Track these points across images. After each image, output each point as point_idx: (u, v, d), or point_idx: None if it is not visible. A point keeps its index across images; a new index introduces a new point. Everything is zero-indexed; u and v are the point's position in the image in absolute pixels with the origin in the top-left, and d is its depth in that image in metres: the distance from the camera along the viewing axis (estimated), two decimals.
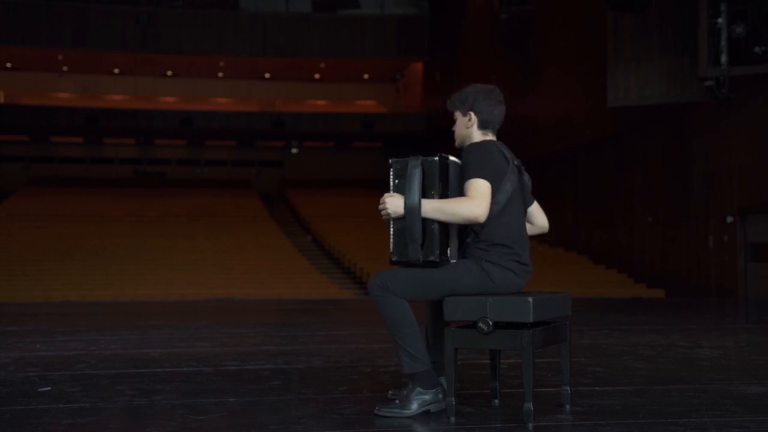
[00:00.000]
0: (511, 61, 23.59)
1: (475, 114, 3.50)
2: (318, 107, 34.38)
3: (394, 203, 3.29)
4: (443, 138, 28.78)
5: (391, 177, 3.36)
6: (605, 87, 17.08)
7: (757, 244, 15.56)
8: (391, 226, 3.33)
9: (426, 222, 3.26)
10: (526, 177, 3.54)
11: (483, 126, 3.51)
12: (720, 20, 14.87)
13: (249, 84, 33.77)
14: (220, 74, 32.96)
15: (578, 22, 19.97)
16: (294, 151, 34.02)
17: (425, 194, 3.28)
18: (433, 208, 3.24)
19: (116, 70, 32.68)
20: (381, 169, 34.14)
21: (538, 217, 3.70)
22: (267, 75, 33.30)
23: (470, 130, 3.52)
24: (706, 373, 4.65)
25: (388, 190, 3.36)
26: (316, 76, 33.43)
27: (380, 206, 3.33)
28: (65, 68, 32.07)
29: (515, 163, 3.44)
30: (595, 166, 20.63)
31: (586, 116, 19.81)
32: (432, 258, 3.27)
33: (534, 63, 22.23)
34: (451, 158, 3.39)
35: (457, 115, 3.56)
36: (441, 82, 29.15)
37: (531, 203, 3.63)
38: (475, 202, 3.21)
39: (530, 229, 3.68)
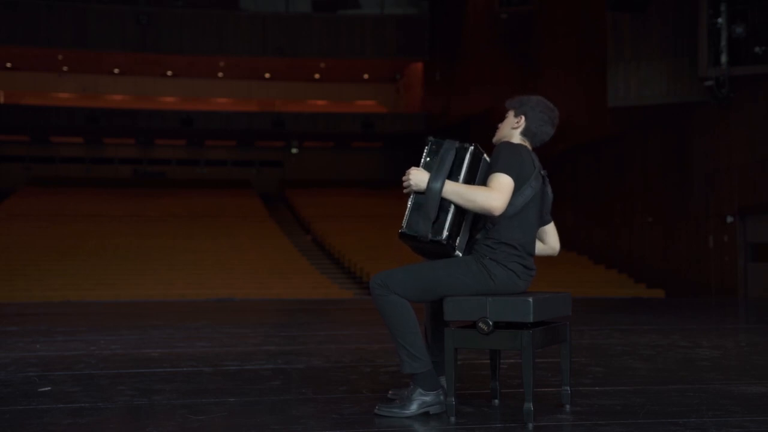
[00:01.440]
0: (511, 61, 23.58)
1: (525, 120, 3.54)
2: (318, 107, 34.37)
3: (418, 177, 3.34)
4: (443, 138, 28.77)
5: (425, 153, 3.44)
6: (605, 87, 17.07)
7: (757, 244, 15.56)
8: (410, 200, 3.39)
9: (443, 202, 3.31)
10: (549, 189, 3.57)
11: (525, 134, 3.55)
12: (720, 20, 14.87)
13: (249, 84, 33.75)
14: (220, 74, 32.95)
15: (578, 22, 19.97)
16: (294, 151, 34.00)
17: (450, 178, 3.34)
18: (452, 190, 3.29)
19: (116, 70, 32.68)
20: (381, 169, 34.15)
21: (551, 237, 3.71)
22: (267, 75, 33.28)
23: (513, 131, 3.57)
24: (706, 373, 4.65)
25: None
26: (316, 76, 33.42)
27: (404, 177, 3.38)
28: (65, 68, 32.06)
29: (541, 172, 3.47)
30: (595, 166, 20.63)
31: (586, 116, 19.80)
32: (439, 238, 3.30)
33: (534, 63, 22.22)
34: (485, 154, 3.47)
35: (509, 114, 3.61)
36: (441, 82, 29.14)
37: (548, 222, 3.65)
38: (495, 194, 3.24)
39: (541, 249, 3.70)
